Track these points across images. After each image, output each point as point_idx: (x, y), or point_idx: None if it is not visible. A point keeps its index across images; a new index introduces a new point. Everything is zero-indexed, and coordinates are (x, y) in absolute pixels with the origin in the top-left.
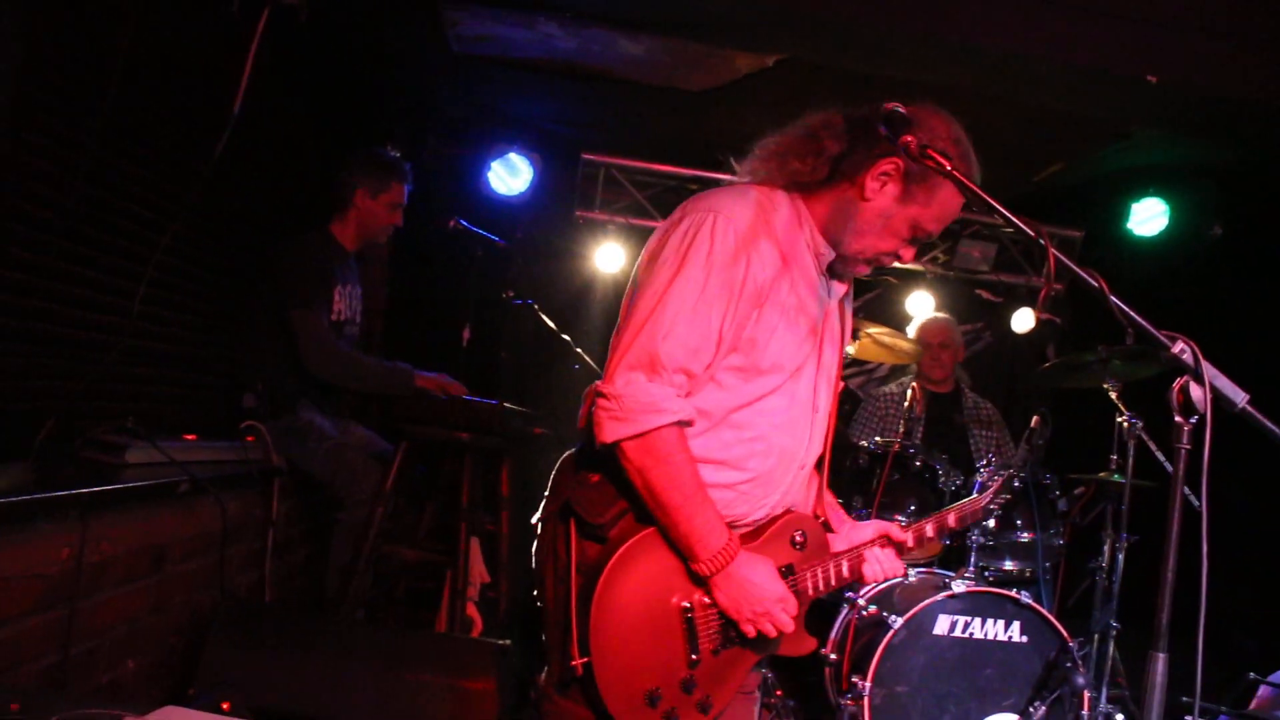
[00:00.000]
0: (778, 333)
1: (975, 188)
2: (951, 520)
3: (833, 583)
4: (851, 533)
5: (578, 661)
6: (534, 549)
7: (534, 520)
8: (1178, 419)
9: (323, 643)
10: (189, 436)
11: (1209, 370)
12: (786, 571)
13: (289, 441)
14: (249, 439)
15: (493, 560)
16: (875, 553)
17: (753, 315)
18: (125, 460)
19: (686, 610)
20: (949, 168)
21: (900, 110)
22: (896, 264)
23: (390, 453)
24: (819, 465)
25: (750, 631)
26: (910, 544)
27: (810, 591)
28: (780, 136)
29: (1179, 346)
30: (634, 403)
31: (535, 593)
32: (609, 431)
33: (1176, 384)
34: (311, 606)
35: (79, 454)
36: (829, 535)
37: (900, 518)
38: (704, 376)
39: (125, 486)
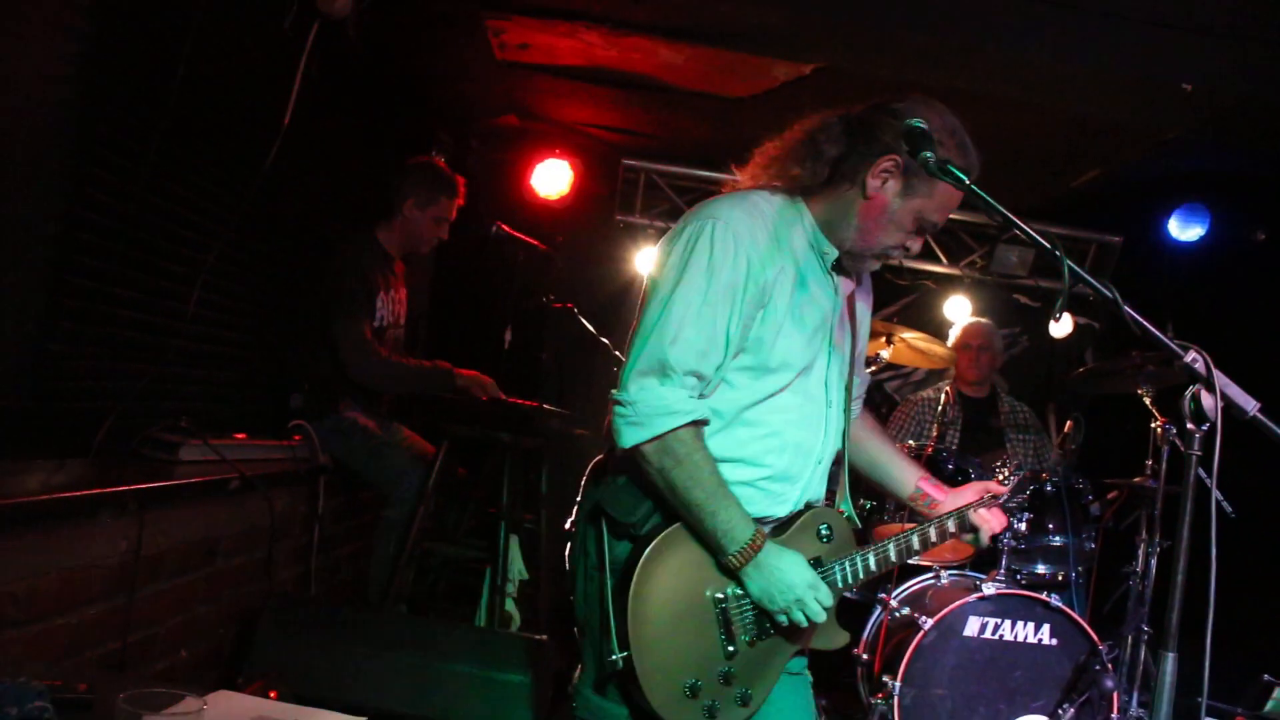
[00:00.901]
0: (784, 331)
1: (986, 197)
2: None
3: (870, 570)
4: (953, 499)
5: (617, 656)
6: (567, 552)
7: (567, 525)
8: (1189, 426)
9: (365, 636)
10: (239, 436)
11: (1220, 379)
12: (815, 564)
13: (334, 440)
14: (296, 438)
15: (532, 558)
16: (976, 514)
17: (757, 316)
18: (179, 458)
19: (720, 602)
20: (953, 164)
21: (918, 126)
22: (905, 255)
23: (431, 453)
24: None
25: (784, 621)
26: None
27: (840, 583)
28: (779, 142)
29: (1191, 355)
30: (648, 407)
31: (570, 595)
32: (627, 437)
33: (1189, 393)
34: (355, 600)
35: (136, 451)
36: (935, 505)
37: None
38: (715, 378)
39: (180, 483)
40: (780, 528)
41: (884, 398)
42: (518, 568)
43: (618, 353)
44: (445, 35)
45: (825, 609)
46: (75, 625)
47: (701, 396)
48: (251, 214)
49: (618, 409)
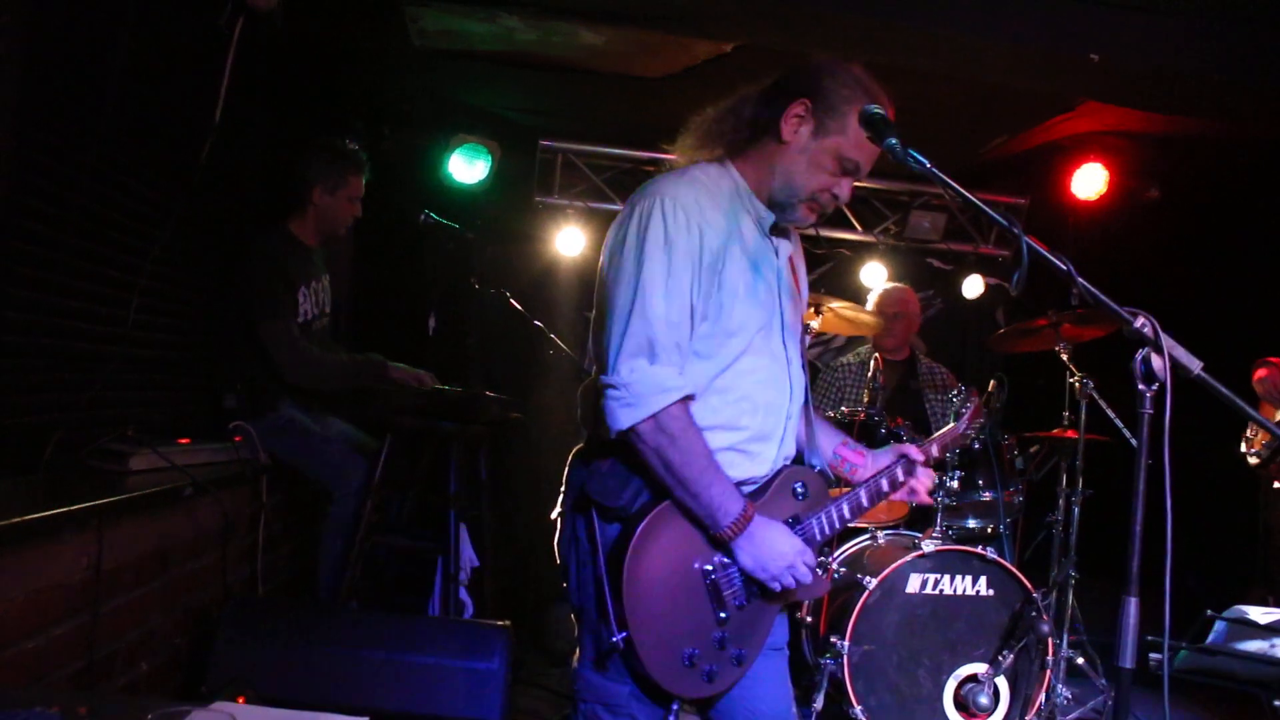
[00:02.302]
0: (739, 295)
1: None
2: (935, 451)
3: (845, 519)
4: (874, 461)
5: (618, 636)
6: (556, 542)
7: (552, 516)
8: (1140, 387)
9: (326, 633)
10: (183, 440)
11: (1168, 341)
12: (793, 522)
13: (273, 439)
14: (237, 439)
15: (479, 544)
16: (898, 475)
17: (714, 281)
18: (130, 468)
19: (709, 572)
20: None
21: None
22: (836, 203)
23: (371, 444)
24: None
25: (775, 588)
26: (923, 459)
27: (818, 537)
28: (705, 115)
29: (1140, 321)
30: (642, 387)
31: (564, 584)
32: (624, 418)
33: (1139, 355)
34: (306, 598)
35: (85, 464)
36: (857, 468)
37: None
38: (689, 350)
39: (139, 494)
40: (759, 491)
41: (806, 365)
42: (469, 555)
43: (553, 335)
44: (363, 24)
45: (811, 570)
46: (44, 647)
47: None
48: (184, 215)
49: (610, 392)
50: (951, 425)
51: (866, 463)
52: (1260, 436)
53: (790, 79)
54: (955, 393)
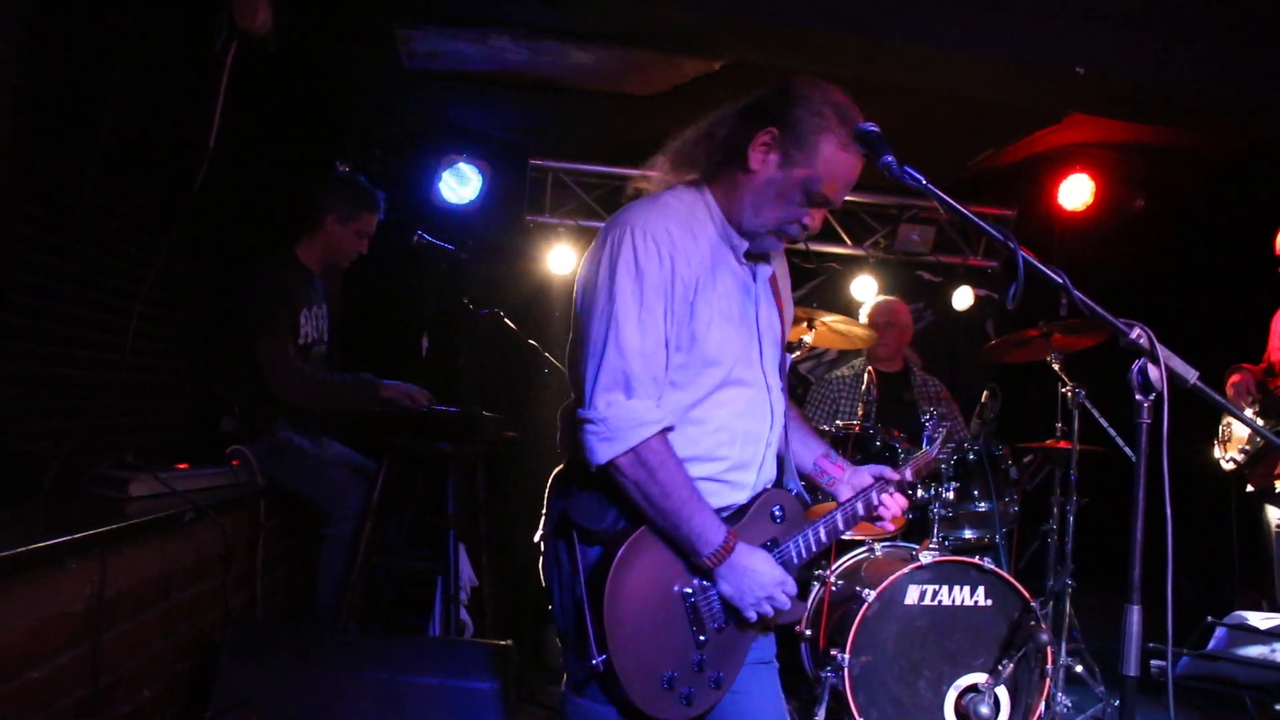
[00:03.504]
0: (715, 324)
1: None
2: (909, 474)
3: (822, 543)
4: (852, 479)
5: (598, 659)
6: (540, 566)
7: (535, 539)
8: (1138, 397)
9: (328, 656)
10: (181, 465)
11: (1164, 352)
12: (771, 545)
13: (271, 462)
14: (234, 462)
15: (477, 564)
16: (874, 498)
17: (688, 311)
18: (130, 494)
19: (688, 596)
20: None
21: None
22: (806, 233)
23: (368, 466)
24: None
25: (753, 617)
26: (897, 479)
27: (795, 560)
28: (681, 138)
29: (1136, 332)
30: (619, 422)
31: (549, 607)
32: (601, 453)
33: (1135, 365)
34: (306, 621)
35: (85, 491)
36: (835, 482)
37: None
38: (664, 381)
39: (141, 521)
40: (736, 515)
41: (799, 379)
42: (468, 575)
43: (548, 354)
44: (354, 47)
45: (790, 597)
46: (48, 676)
47: None
48: (179, 239)
49: (588, 427)
50: (924, 450)
51: (845, 478)
52: (1235, 440)
53: (765, 102)
54: (926, 416)
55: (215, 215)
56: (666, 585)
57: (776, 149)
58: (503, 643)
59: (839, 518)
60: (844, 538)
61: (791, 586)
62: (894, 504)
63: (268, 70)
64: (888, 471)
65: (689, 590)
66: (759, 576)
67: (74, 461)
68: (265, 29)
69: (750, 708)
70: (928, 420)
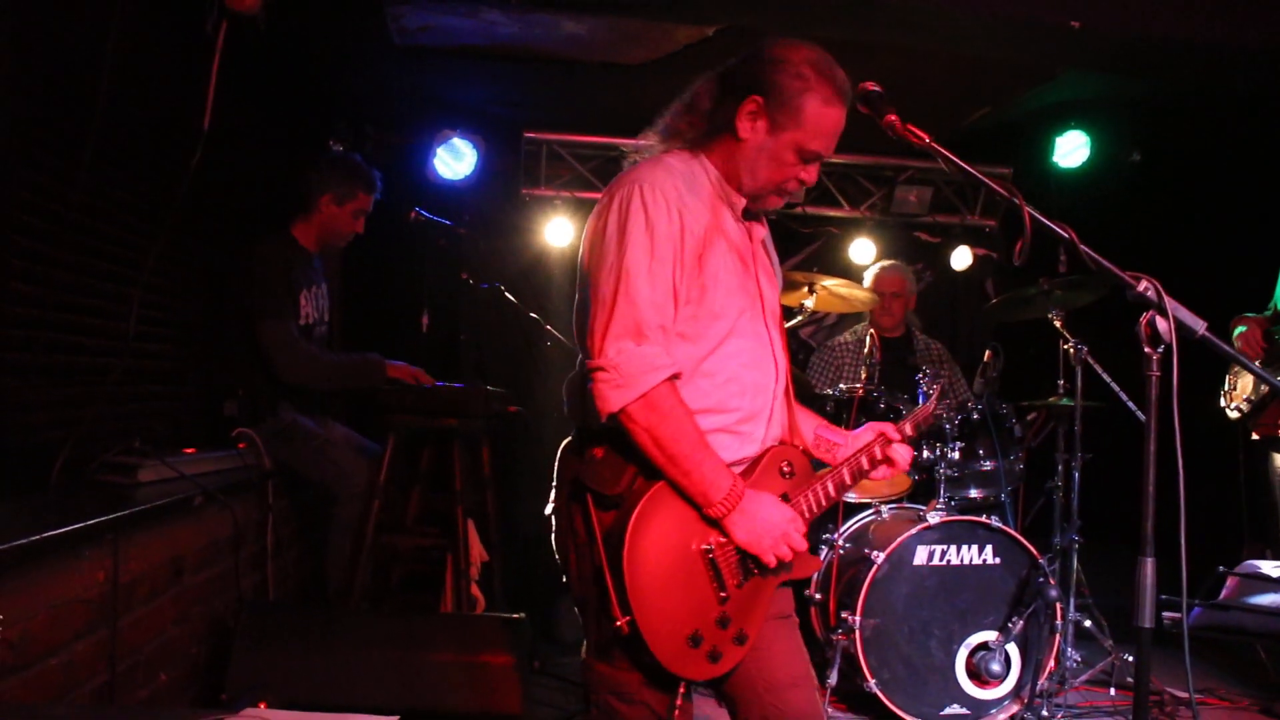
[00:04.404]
0: (720, 278)
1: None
2: (909, 429)
3: (831, 497)
4: (854, 441)
5: (621, 621)
6: (553, 536)
7: (546, 512)
8: (1146, 349)
9: (342, 635)
10: (188, 450)
11: (1171, 304)
12: (783, 500)
13: (277, 444)
14: (241, 445)
15: (486, 539)
16: (876, 453)
17: (696, 265)
18: (139, 480)
19: (708, 552)
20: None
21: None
22: (804, 186)
23: (373, 446)
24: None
25: (771, 561)
26: (899, 437)
27: (807, 513)
28: (671, 107)
29: (1143, 285)
30: (630, 367)
31: (564, 577)
32: (614, 400)
33: (1144, 318)
34: (319, 601)
35: (94, 478)
36: (836, 447)
37: None
38: (672, 332)
39: (151, 506)
40: (746, 470)
41: (800, 344)
42: (477, 550)
43: (549, 327)
44: (344, 24)
45: (805, 537)
46: (67, 663)
47: None
48: (177, 222)
49: (600, 375)
50: (922, 405)
51: (846, 443)
52: (1241, 389)
53: (740, 71)
54: (920, 375)
55: (211, 198)
56: (685, 543)
57: (763, 116)
58: (516, 615)
59: (845, 471)
60: (851, 501)
61: (801, 526)
62: (901, 454)
63: (258, 50)
64: (889, 428)
65: (708, 547)
66: (770, 516)
67: (82, 450)
68: (255, 8)
69: (776, 662)
70: (921, 378)
